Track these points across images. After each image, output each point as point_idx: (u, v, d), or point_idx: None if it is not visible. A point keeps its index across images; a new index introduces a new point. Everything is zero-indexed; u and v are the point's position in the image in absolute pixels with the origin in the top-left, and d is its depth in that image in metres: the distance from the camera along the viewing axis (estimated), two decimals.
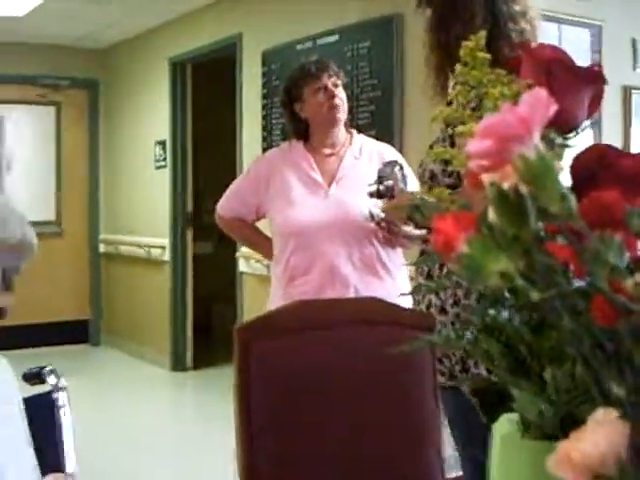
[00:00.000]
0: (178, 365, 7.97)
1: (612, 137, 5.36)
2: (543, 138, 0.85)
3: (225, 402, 6.45)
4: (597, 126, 5.12)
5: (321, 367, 2.30)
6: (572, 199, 0.63)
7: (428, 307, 2.58)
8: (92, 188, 9.27)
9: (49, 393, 2.22)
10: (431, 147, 2.56)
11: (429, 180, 2.51)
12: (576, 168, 0.87)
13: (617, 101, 5.52)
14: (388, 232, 3.34)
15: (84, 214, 9.27)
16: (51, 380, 2.24)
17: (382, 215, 3.28)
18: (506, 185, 0.64)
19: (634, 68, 5.61)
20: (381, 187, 3.06)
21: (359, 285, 3.36)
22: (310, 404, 2.25)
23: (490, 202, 0.65)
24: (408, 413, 2.31)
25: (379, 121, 5.09)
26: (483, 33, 0.98)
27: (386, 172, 3.12)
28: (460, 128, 0.96)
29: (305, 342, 2.34)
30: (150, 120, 8.29)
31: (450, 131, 2.48)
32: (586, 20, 5.18)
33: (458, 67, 0.97)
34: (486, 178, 0.65)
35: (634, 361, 0.64)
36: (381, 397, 2.28)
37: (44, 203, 9.06)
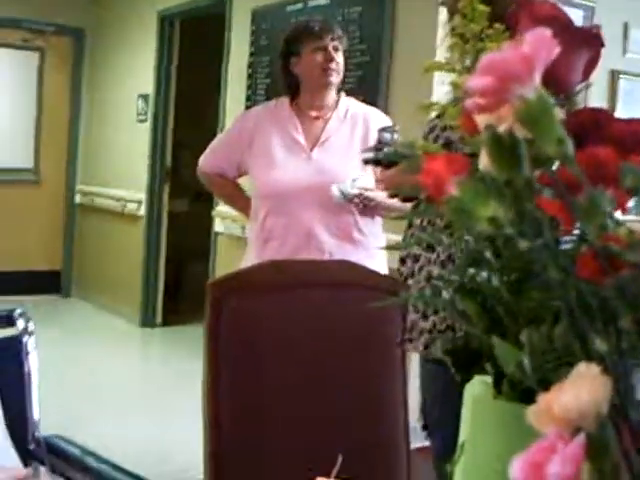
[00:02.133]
0: (147, 321, 7.96)
1: None
2: None
3: (193, 359, 6.44)
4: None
5: (291, 327, 2.29)
6: (569, 143, 0.62)
7: (414, 260, 2.58)
8: (72, 138, 9.18)
9: (17, 337, 2.20)
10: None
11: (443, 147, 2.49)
12: (566, 127, 0.86)
13: (604, 85, 5.51)
14: (364, 207, 3.33)
15: (62, 163, 9.17)
16: (20, 324, 2.22)
17: (354, 192, 3.27)
18: (501, 128, 0.62)
19: (624, 53, 5.60)
20: (380, 154, 2.87)
21: (334, 251, 3.35)
22: (278, 363, 2.25)
23: (484, 145, 0.64)
24: (375, 377, 2.32)
25: (366, 87, 5.06)
26: None
27: (386, 138, 2.94)
28: (452, 79, 0.95)
29: (276, 301, 2.33)
30: (134, 73, 8.22)
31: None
32: (579, 1, 5.16)
33: (456, 19, 0.96)
34: (481, 120, 0.64)
35: (618, 318, 0.63)
36: (349, 360, 2.28)
37: (22, 150, 8.99)
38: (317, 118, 3.50)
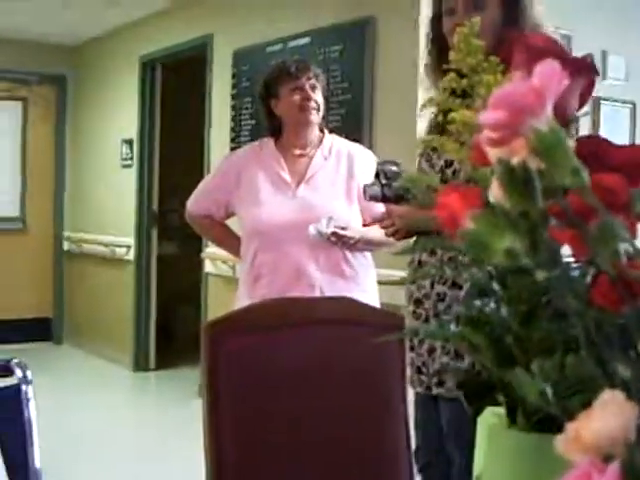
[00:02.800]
0: (140, 365, 7.92)
1: None
2: None
3: (186, 403, 6.47)
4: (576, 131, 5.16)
5: (290, 366, 2.28)
6: (585, 172, 0.63)
7: (438, 299, 2.56)
8: (57, 185, 9.19)
9: (16, 386, 2.19)
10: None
11: (452, 176, 2.49)
12: None
13: (587, 112, 5.56)
14: (342, 245, 3.34)
15: (49, 211, 9.20)
16: (18, 372, 2.21)
17: (329, 231, 3.28)
18: (514, 160, 0.63)
19: (603, 78, 5.66)
20: (387, 189, 2.66)
21: (324, 286, 3.36)
22: (279, 403, 2.24)
23: (497, 178, 0.64)
24: (375, 417, 2.31)
25: (350, 124, 5.08)
26: (478, 19, 0.98)
27: (392, 171, 2.71)
28: (452, 114, 0.95)
29: (274, 340, 2.32)
30: (118, 118, 8.24)
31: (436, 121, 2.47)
32: (557, 30, 5.21)
33: (452, 54, 0.97)
34: (493, 153, 0.65)
35: (636, 345, 0.63)
36: (348, 398, 2.27)
37: (9, 199, 9.02)
38: (301, 156, 3.52)
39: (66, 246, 9.13)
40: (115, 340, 8.20)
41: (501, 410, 1.01)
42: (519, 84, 0.60)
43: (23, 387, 2.17)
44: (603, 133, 5.64)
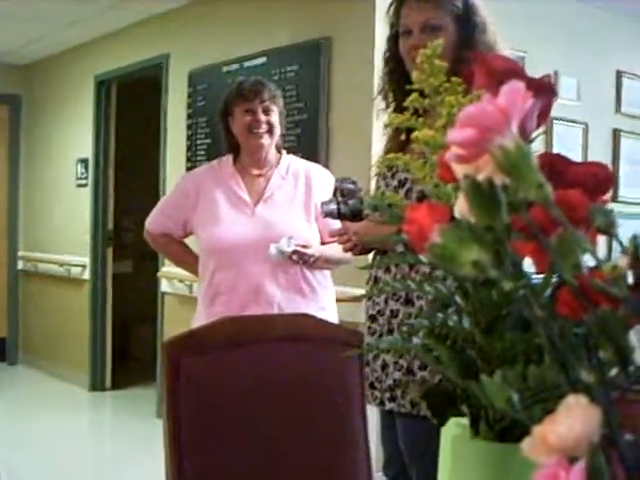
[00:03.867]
0: (97, 385, 7.88)
1: None
2: None
3: (144, 423, 6.43)
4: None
5: (250, 383, 2.29)
6: (549, 187, 0.66)
7: (391, 316, 2.59)
8: (12, 204, 9.14)
9: None
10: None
11: (405, 196, 2.52)
12: None
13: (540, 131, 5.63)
14: (303, 263, 3.36)
15: (3, 230, 9.15)
16: None
17: (290, 250, 3.30)
18: (480, 177, 0.66)
19: (556, 100, 5.74)
20: (343, 206, 2.71)
21: (283, 303, 3.37)
22: (239, 420, 2.25)
23: (463, 193, 0.67)
24: (335, 429, 2.32)
25: (305, 144, 5.12)
26: (440, 41, 1.01)
27: (349, 189, 2.76)
28: (415, 134, 0.98)
29: (232, 358, 2.33)
30: (73, 137, 8.22)
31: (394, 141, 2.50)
32: (510, 51, 5.29)
33: (415, 74, 1.00)
34: (459, 170, 0.67)
35: (599, 350, 0.66)
36: (308, 412, 2.29)
37: None
38: (259, 176, 3.55)
39: (21, 265, 9.08)
40: (71, 360, 8.15)
41: (465, 421, 1.04)
42: (486, 104, 0.63)
43: None
44: (556, 152, 5.72)
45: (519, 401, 0.72)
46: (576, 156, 5.88)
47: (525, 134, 1.02)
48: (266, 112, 3.48)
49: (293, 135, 5.17)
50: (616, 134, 6.25)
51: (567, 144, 5.78)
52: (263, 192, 3.51)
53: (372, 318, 2.67)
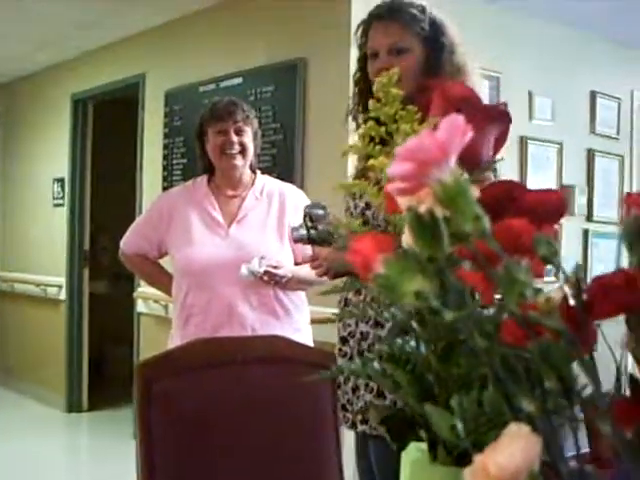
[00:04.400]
0: (73, 406, 7.85)
1: None
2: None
3: (121, 444, 6.39)
4: (494, 174, 5.27)
5: (222, 405, 2.29)
6: (486, 219, 0.66)
7: (361, 338, 2.59)
8: None
9: None
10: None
11: (372, 218, 2.52)
12: (481, 201, 0.91)
13: (514, 151, 5.69)
14: (275, 284, 3.36)
15: None
16: None
17: (261, 270, 3.30)
18: (422, 208, 0.66)
19: (530, 119, 5.79)
20: (313, 232, 2.72)
21: (256, 325, 3.37)
22: (211, 442, 2.25)
23: (406, 224, 0.68)
24: (309, 450, 2.33)
25: (281, 164, 5.13)
26: (396, 70, 1.02)
27: (318, 215, 2.77)
28: (371, 161, 0.99)
29: (206, 380, 2.33)
30: (49, 157, 8.21)
31: (362, 165, 2.51)
32: (485, 72, 5.34)
33: (371, 103, 1.01)
34: (403, 202, 0.68)
35: (542, 380, 0.67)
36: (282, 434, 2.29)
37: None
38: (233, 197, 3.55)
39: None
40: (47, 381, 8.11)
41: (424, 445, 1.04)
42: (424, 138, 0.64)
43: None
44: (530, 172, 5.77)
45: (463, 429, 0.72)
46: (550, 176, 5.92)
47: (479, 160, 1.04)
48: (239, 133, 3.48)
49: (269, 155, 5.18)
50: (590, 154, 6.30)
51: (541, 164, 5.83)
52: (237, 213, 3.51)
53: (343, 340, 2.67)
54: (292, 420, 2.31)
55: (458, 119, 0.64)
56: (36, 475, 5.89)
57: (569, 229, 5.91)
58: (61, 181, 7.90)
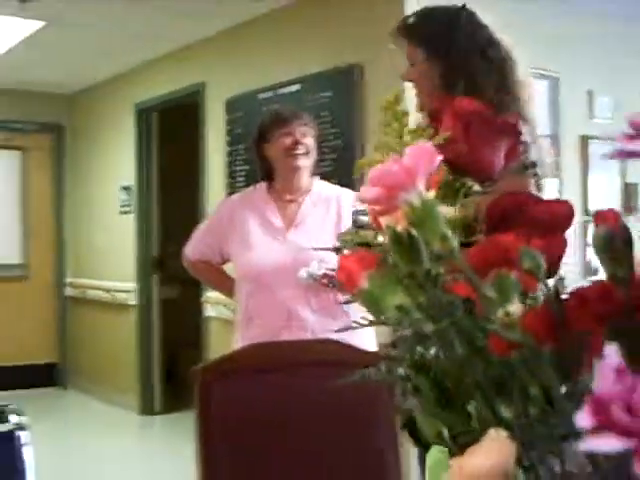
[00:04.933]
0: (146, 409, 7.96)
1: (571, 185, 5.49)
2: (460, 186, 0.92)
3: (192, 446, 6.44)
4: (537, 178, 5.24)
5: (280, 407, 2.32)
6: (453, 240, 0.70)
7: None
8: (58, 232, 9.31)
9: (10, 432, 2.24)
10: None
11: None
12: (490, 212, 0.94)
13: (575, 150, 5.65)
14: (334, 287, 3.38)
15: (50, 257, 9.30)
16: (13, 419, 2.27)
17: (320, 274, 3.33)
18: (400, 227, 0.70)
19: (590, 117, 5.75)
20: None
21: (317, 328, 3.39)
22: (270, 444, 2.28)
23: (388, 243, 0.72)
24: (365, 457, 2.34)
25: (340, 170, 5.14)
26: (398, 89, 1.04)
27: (362, 221, 2.86)
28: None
29: (263, 383, 2.36)
30: (115, 165, 8.35)
31: None
32: (543, 72, 5.31)
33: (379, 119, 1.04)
34: (383, 221, 0.72)
35: (526, 387, 0.70)
36: (339, 439, 2.31)
37: (11, 247, 9.13)
38: (292, 201, 3.59)
39: (68, 292, 9.22)
40: (121, 384, 8.25)
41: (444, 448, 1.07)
42: (392, 164, 0.68)
43: (17, 433, 2.23)
44: (592, 171, 5.73)
45: (448, 434, 0.76)
46: (614, 174, 5.87)
47: (491, 173, 1.07)
48: (303, 136, 3.53)
49: (329, 160, 5.21)
50: None
51: (603, 162, 5.77)
52: (295, 217, 3.55)
53: (393, 345, 2.68)
54: (349, 423, 2.33)
55: (425, 146, 0.68)
56: (110, 476, 6.01)
57: (633, 228, 5.83)
58: (128, 189, 8.03)
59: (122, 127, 8.16)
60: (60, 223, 9.31)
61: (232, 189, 6.21)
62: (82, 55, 7.46)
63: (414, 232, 0.69)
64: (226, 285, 3.77)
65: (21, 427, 2.27)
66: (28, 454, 2.24)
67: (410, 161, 0.67)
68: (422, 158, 0.68)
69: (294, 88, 5.69)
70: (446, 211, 0.71)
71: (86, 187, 8.97)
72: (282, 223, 3.54)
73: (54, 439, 6.81)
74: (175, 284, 8.73)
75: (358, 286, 0.70)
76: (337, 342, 2.51)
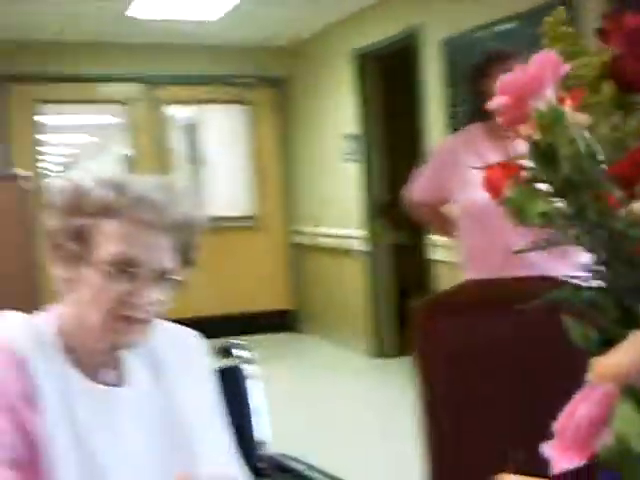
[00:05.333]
0: (377, 352, 8.11)
1: None
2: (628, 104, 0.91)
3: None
4: None
5: (496, 345, 2.34)
6: (581, 143, 0.71)
7: None
8: (285, 182, 9.61)
9: (236, 366, 2.38)
10: None
11: None
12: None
13: None
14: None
15: (279, 208, 9.63)
16: (237, 353, 2.40)
17: None
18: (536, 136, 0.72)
19: None
20: None
21: (538, 265, 3.36)
22: (488, 379, 2.30)
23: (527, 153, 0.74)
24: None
25: None
26: (562, 8, 1.04)
27: None
28: None
29: (481, 320, 2.38)
30: (336, 114, 8.49)
31: None
32: None
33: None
34: (522, 130, 0.74)
35: None
36: (555, 382, 2.30)
37: (241, 199, 9.52)
38: (508, 137, 3.55)
39: (298, 240, 9.50)
40: (351, 328, 8.43)
41: None
42: (519, 73, 0.70)
43: (242, 366, 2.37)
44: None
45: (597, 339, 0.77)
46: None
47: None
48: None
49: None
50: None
51: None
52: (512, 154, 3.52)
53: None
54: (562, 362, 2.32)
55: (550, 54, 0.70)
56: (341, 416, 6.21)
57: None
58: (351, 137, 8.15)
59: (341, 75, 8.28)
60: (287, 174, 9.59)
61: (452, 130, 6.19)
62: (297, 6, 7.63)
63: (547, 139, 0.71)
64: (447, 226, 3.79)
65: (247, 361, 2.40)
66: (256, 388, 2.37)
67: (536, 69, 0.69)
68: (548, 66, 0.70)
69: (511, 25, 5.59)
70: (583, 119, 0.72)
71: (309, 137, 9.18)
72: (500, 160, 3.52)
73: (288, 381, 7.09)
74: (402, 229, 8.82)
75: (503, 195, 0.73)
76: (556, 280, 2.48)
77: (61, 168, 12.43)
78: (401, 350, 8.05)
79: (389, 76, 8.13)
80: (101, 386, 1.69)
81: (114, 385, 1.71)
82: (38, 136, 8.99)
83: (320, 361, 8.33)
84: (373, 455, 5.30)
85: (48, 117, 9.22)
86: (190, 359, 1.86)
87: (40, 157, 9.04)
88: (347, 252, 8.35)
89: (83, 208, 1.60)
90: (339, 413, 6.32)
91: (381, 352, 8.12)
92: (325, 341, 8.92)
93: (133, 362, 1.76)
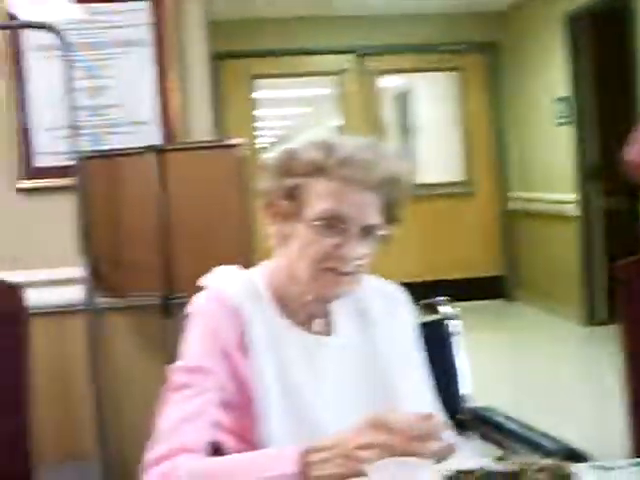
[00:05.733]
0: (589, 320, 7.98)
1: None
2: None
3: None
4: None
5: None
6: None
7: None
8: (497, 148, 9.53)
9: (440, 320, 2.47)
10: None
11: None
12: None
13: None
14: None
15: (492, 173, 9.57)
16: (442, 309, 2.49)
17: None
18: None
19: None
20: None
21: None
22: None
23: None
24: None
25: None
26: None
27: None
28: None
29: None
30: (548, 77, 8.36)
31: None
32: None
33: None
34: None
35: None
36: None
37: (454, 165, 9.58)
38: None
39: (511, 206, 9.42)
40: (563, 295, 8.34)
41: None
42: None
43: (446, 322, 2.46)
44: None
45: None
46: None
47: None
48: None
49: None
50: None
51: None
52: None
53: None
54: None
55: None
56: (553, 385, 6.18)
57: None
58: (563, 100, 8.02)
59: (552, 39, 8.14)
60: (499, 139, 9.51)
61: None
62: None
63: None
64: None
65: (450, 317, 2.48)
66: (457, 341, 2.45)
67: None
68: None
69: None
70: None
71: (521, 102, 9.09)
72: None
73: (502, 347, 7.11)
74: (615, 193, 8.58)
75: None
76: None
77: (276, 140, 12.78)
78: (612, 318, 7.88)
79: (601, 38, 7.91)
80: (310, 335, 1.81)
81: (322, 334, 1.83)
82: (253, 110, 9.30)
83: (529, 328, 8.32)
84: (576, 415, 5.32)
85: (262, 91, 9.50)
86: (395, 310, 1.95)
87: (256, 130, 9.37)
88: (560, 217, 8.23)
89: (294, 169, 1.72)
90: (543, 376, 6.37)
91: (592, 319, 7.97)
92: (535, 308, 8.86)
93: (340, 312, 1.86)
